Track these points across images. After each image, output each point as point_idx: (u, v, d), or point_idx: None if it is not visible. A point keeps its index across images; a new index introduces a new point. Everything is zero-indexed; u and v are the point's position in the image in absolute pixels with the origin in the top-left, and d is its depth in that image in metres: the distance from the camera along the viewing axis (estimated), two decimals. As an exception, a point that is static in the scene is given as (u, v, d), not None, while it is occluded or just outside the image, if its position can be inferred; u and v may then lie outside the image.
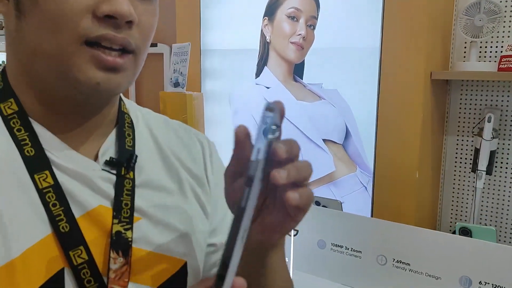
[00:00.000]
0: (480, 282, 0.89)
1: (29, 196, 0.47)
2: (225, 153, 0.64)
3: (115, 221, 0.50)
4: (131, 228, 0.51)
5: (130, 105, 0.61)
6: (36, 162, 0.48)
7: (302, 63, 1.84)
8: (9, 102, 0.50)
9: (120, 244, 0.50)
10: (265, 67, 1.91)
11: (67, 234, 0.47)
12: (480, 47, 1.71)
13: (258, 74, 1.93)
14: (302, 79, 1.85)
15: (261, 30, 1.90)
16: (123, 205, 0.51)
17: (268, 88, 1.91)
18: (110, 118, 0.55)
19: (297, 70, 1.85)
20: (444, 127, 1.82)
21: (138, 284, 0.51)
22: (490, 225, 1.73)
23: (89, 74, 0.46)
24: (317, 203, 1.33)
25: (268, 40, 1.89)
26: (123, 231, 0.50)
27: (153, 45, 2.32)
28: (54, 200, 0.48)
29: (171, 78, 1.95)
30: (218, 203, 0.62)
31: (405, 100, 1.64)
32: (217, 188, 0.62)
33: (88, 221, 0.49)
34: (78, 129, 0.52)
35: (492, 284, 0.88)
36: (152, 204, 0.54)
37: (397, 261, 1.05)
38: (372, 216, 1.70)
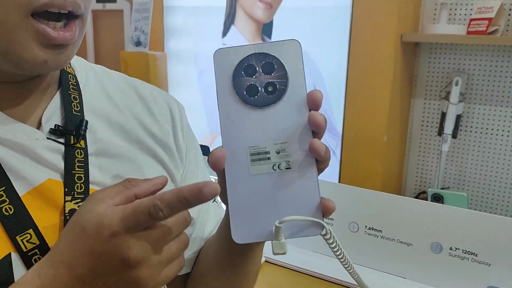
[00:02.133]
0: (450, 248, 0.89)
1: None
2: (191, 115, 0.61)
3: (68, 198, 0.45)
4: None
5: (79, 63, 0.54)
6: None
7: (271, 23, 1.77)
8: None
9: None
10: (232, 26, 1.83)
11: (12, 217, 0.42)
12: (450, 9, 1.68)
13: (225, 33, 1.85)
14: (270, 39, 1.77)
15: (228, -14, 1.80)
16: (75, 179, 0.46)
17: (235, 48, 1.84)
18: (53, 79, 0.49)
19: (266, 30, 1.78)
20: (412, 91, 1.81)
21: None
22: (453, 187, 1.76)
23: (34, 52, 0.40)
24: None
25: (235, -3, 1.80)
26: (77, 209, 0.45)
27: (112, 0, 2.18)
28: None
29: (132, 37, 1.84)
30: (189, 170, 0.58)
31: (375, 62, 1.61)
32: (188, 154, 0.58)
33: (37, 198, 0.44)
34: (13, 93, 0.45)
35: (462, 250, 0.88)
36: (111, 174, 0.49)
37: (369, 228, 1.04)
38: (339, 180, 1.69)
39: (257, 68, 0.38)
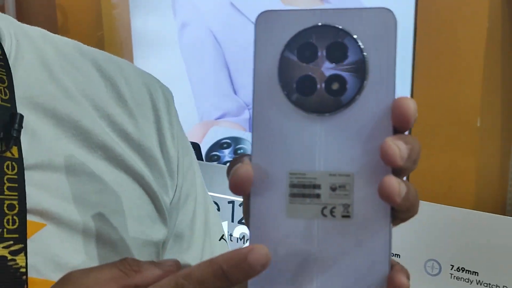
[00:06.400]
0: None
1: None
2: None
3: None
4: (25, 249, 0.46)
5: (5, 24, 0.54)
6: None
7: None
8: None
9: (5, 279, 0.45)
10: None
11: None
12: None
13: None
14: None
15: None
16: (4, 209, 0.46)
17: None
18: None
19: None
20: (520, 45, 1.71)
21: None
22: None
23: None
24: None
25: None
26: (9, 257, 0.45)
27: None
28: None
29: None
30: (183, 192, 0.61)
31: (458, 8, 1.55)
32: (181, 166, 0.60)
33: None
34: None
35: None
36: (62, 196, 0.50)
37: (458, 269, 1.03)
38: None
39: (320, 50, 0.37)
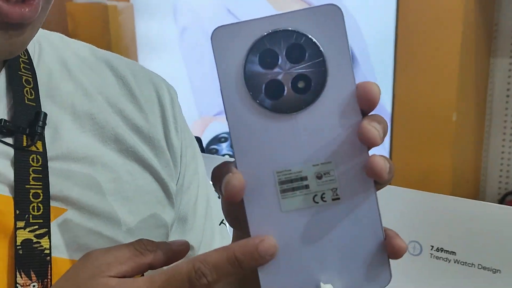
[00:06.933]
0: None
1: None
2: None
3: (20, 224, 0.47)
4: (49, 233, 0.48)
5: None
6: None
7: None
8: None
9: (31, 260, 0.47)
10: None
11: None
12: None
13: (216, -29, 1.85)
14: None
15: None
16: (30, 197, 0.48)
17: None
18: None
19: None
20: (491, 47, 1.80)
21: None
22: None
23: None
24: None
25: None
26: (34, 240, 0.47)
27: None
28: None
29: (82, -19, 1.84)
30: (186, 179, 0.62)
31: (436, 10, 1.60)
32: (184, 156, 0.61)
33: None
34: None
35: None
36: (81, 184, 0.52)
37: (437, 249, 1.05)
38: (390, 179, 1.70)
39: (280, 55, 0.37)
